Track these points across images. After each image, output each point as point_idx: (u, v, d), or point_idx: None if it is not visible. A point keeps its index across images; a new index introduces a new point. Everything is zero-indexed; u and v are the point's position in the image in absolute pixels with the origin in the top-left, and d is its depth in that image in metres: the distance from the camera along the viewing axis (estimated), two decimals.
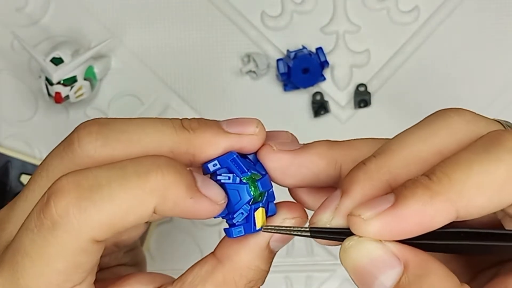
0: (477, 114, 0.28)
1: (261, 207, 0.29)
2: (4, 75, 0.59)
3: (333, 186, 0.30)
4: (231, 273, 0.30)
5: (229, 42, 0.59)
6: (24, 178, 0.57)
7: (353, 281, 0.26)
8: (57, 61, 0.54)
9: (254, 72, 0.58)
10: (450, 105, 0.29)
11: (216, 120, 0.30)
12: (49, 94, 0.54)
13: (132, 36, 0.59)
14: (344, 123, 0.60)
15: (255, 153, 0.30)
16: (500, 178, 0.25)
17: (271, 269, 0.31)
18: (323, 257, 0.60)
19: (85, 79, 0.55)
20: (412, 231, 0.25)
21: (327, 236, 0.27)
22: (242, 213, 0.29)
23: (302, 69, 0.57)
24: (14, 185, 0.57)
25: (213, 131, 0.29)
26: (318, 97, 0.59)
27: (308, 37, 0.59)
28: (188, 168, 0.28)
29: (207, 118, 0.30)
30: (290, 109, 0.59)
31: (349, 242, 0.26)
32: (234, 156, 0.29)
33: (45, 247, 0.27)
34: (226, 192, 0.29)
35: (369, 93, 0.59)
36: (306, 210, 0.31)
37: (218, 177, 0.29)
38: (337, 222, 0.27)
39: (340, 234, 0.27)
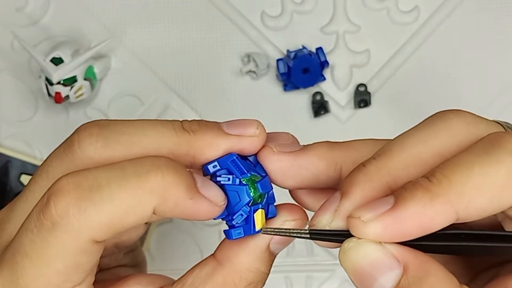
0: (477, 116, 0.28)
1: (261, 208, 0.29)
2: (4, 75, 0.59)
3: (333, 187, 0.30)
4: (231, 275, 0.30)
5: (229, 42, 0.59)
6: (24, 178, 0.57)
7: (353, 282, 0.26)
8: (57, 61, 0.54)
9: (254, 72, 0.58)
10: (450, 105, 0.29)
11: (216, 122, 0.30)
12: (49, 94, 0.54)
13: (132, 36, 0.59)
14: (344, 123, 0.60)
15: (256, 155, 0.30)
16: (501, 180, 0.25)
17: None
18: (323, 257, 0.60)
19: (85, 79, 0.55)
20: (412, 233, 0.25)
21: (326, 238, 0.27)
22: (241, 215, 0.29)
23: (302, 69, 0.57)
24: (14, 185, 0.57)
25: (214, 132, 0.29)
26: (318, 97, 0.59)
27: (308, 37, 0.59)
28: (188, 170, 0.28)
29: (207, 118, 0.30)
30: (290, 109, 0.59)
31: (348, 244, 0.26)
32: (234, 157, 0.29)
33: (45, 248, 0.27)
34: (226, 194, 0.29)
35: (369, 93, 0.59)
36: (307, 211, 0.31)
37: (218, 179, 0.29)
38: (336, 224, 0.27)
39: (339, 236, 0.26)
